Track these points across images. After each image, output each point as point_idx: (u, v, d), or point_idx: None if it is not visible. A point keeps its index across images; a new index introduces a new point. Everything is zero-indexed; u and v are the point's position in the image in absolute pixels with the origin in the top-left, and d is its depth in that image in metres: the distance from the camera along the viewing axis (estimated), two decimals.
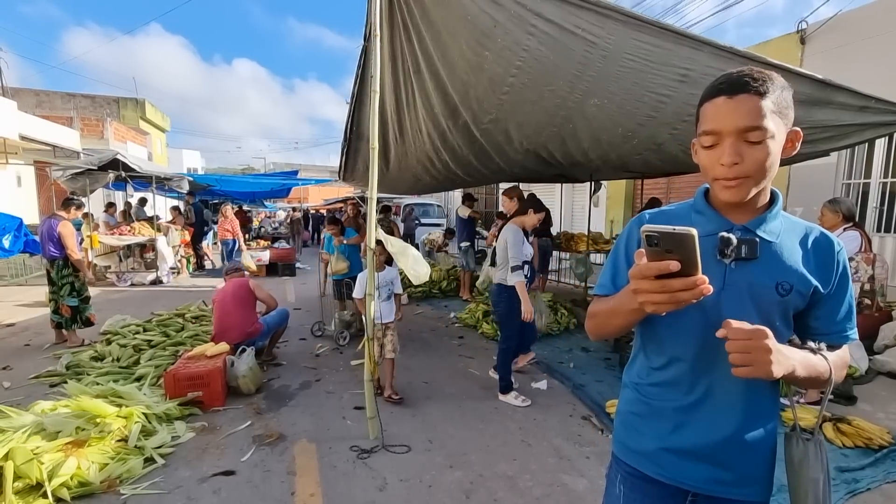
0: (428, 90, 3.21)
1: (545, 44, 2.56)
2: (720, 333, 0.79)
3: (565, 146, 3.99)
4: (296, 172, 15.14)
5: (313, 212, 21.75)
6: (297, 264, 10.98)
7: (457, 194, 14.49)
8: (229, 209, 9.90)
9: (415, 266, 3.12)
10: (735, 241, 0.88)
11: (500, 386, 3.65)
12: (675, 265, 0.70)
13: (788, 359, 0.81)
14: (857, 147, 5.61)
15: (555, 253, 8.14)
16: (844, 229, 3.30)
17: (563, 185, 9.01)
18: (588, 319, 1.05)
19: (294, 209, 22.66)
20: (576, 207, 12.04)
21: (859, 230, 3.27)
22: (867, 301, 3.28)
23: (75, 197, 5.22)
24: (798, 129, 0.90)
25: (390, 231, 7.54)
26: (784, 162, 3.71)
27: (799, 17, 6.67)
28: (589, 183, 6.96)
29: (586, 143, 3.87)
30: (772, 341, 0.77)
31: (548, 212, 7.73)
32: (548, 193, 11.75)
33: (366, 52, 2.95)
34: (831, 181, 6.58)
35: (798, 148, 0.91)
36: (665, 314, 0.77)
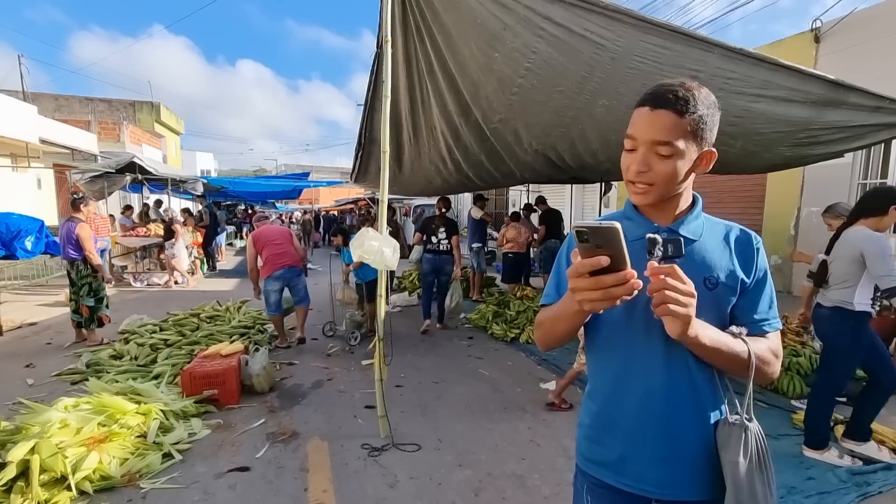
0: (441, 89, 3.26)
1: (554, 46, 2.59)
2: (649, 271, 0.80)
3: (574, 147, 4.01)
4: (307, 174, 15.30)
5: (324, 213, 21.95)
6: (309, 265, 11.08)
7: (467, 196, 14.54)
8: (91, 205, 8.62)
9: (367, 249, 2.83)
10: (660, 240, 0.92)
11: (814, 440, 2.75)
12: (605, 259, 0.75)
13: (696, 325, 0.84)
14: (872, 147, 5.53)
15: None
16: None
17: (574, 185, 8.99)
18: (536, 329, 1.08)
19: (305, 211, 22.92)
20: (586, 208, 12.00)
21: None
22: (887, 302, 3.23)
23: (79, 194, 5.28)
24: (713, 150, 0.94)
25: (396, 232, 7.58)
26: (799, 162, 3.55)
27: (805, 13, 6.59)
28: (600, 184, 6.94)
29: (595, 144, 3.88)
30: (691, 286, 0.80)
31: (558, 213, 7.76)
32: (558, 194, 11.73)
33: (378, 58, 3.00)
34: (847, 181, 6.48)
35: (711, 166, 0.95)
36: (602, 313, 0.81)
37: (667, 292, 0.79)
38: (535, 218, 7.98)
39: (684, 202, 0.99)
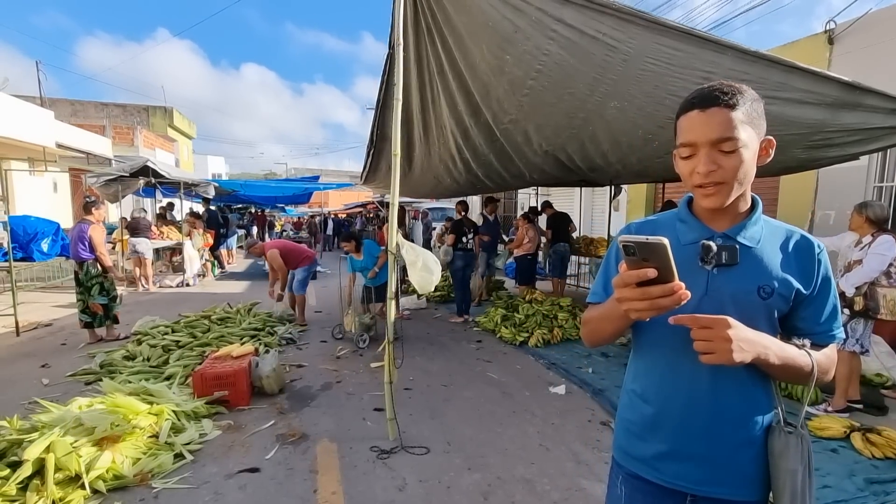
0: (452, 89, 3.28)
1: (565, 48, 2.59)
2: (672, 320, 0.83)
3: (584, 148, 4.00)
4: (317, 177, 15.41)
5: (332, 216, 22.10)
6: (318, 268, 11.13)
7: (476, 198, 14.52)
8: (103, 208, 7.94)
9: (421, 277, 3.07)
10: (715, 248, 0.91)
11: None
12: (652, 272, 0.74)
13: (755, 344, 0.83)
14: (889, 150, 5.43)
15: (573, 257, 8.08)
16: (873, 235, 3.23)
17: (583, 188, 8.94)
18: (583, 326, 1.10)
19: (312, 215, 23.06)
20: (595, 211, 11.92)
21: (893, 235, 3.20)
22: None
23: (92, 197, 5.41)
24: (771, 137, 0.93)
25: (406, 236, 7.62)
26: (813, 165, 3.55)
27: (809, 13, 6.51)
28: (609, 187, 6.90)
29: (606, 146, 3.87)
30: (734, 331, 0.81)
31: (567, 217, 7.73)
32: (566, 197, 11.67)
33: (390, 60, 3.02)
34: (862, 184, 6.37)
35: (772, 155, 0.94)
36: (649, 319, 0.81)
37: (699, 343, 0.82)
38: (541, 222, 7.94)
39: (743, 205, 0.96)
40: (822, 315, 0.96)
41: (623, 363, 4.53)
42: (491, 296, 7.47)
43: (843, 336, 0.99)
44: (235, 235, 13.53)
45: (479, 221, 7.82)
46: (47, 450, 2.38)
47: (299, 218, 26.72)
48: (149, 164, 8.39)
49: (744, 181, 0.89)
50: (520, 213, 12.30)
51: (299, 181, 15.02)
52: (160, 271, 9.68)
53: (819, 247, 0.96)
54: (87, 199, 5.22)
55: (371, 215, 19.41)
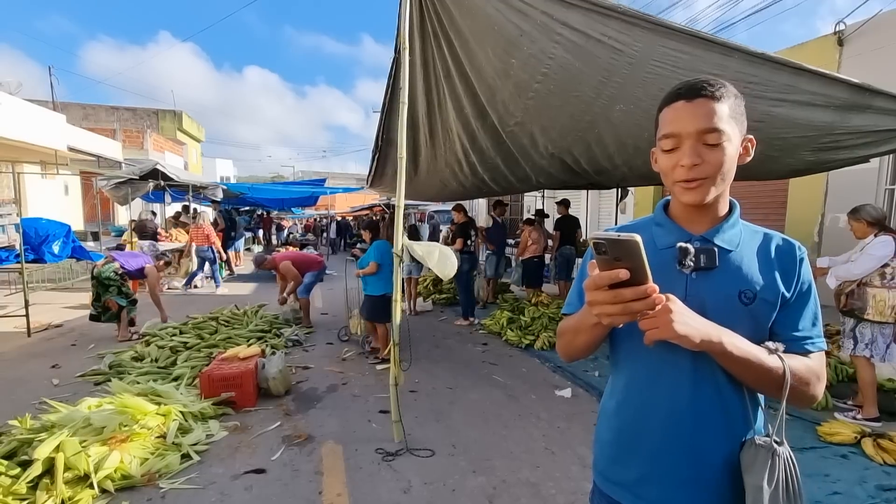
0: (458, 92, 3.29)
1: (571, 51, 2.59)
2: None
3: (591, 151, 3.99)
4: (323, 181, 15.48)
5: (339, 218, 22.20)
6: (326, 270, 11.16)
7: (482, 202, 14.52)
8: (207, 214, 8.72)
9: (441, 264, 3.09)
10: (693, 250, 0.88)
11: None
12: (624, 273, 0.71)
13: (705, 325, 0.79)
14: None
15: (578, 260, 8.04)
16: (875, 235, 3.20)
17: (590, 191, 8.90)
18: (558, 339, 1.04)
19: (317, 219, 23.18)
20: (602, 214, 11.87)
21: (892, 235, 3.17)
22: None
23: (168, 255, 6.66)
24: (751, 136, 0.91)
25: (415, 235, 7.65)
26: (822, 168, 3.51)
27: (812, 13, 6.45)
28: (616, 190, 6.88)
29: (612, 148, 3.85)
30: (674, 304, 0.76)
31: (576, 220, 7.70)
32: (574, 200, 11.61)
33: (396, 64, 3.05)
34: (873, 186, 6.30)
35: (752, 154, 0.92)
36: (623, 326, 0.78)
37: (643, 321, 0.75)
38: (548, 224, 7.91)
39: (722, 207, 0.93)
40: (799, 320, 0.90)
41: None
42: (497, 298, 7.46)
43: (825, 346, 0.92)
44: (243, 238, 13.62)
45: (488, 223, 7.83)
46: (57, 449, 2.41)
47: (307, 220, 26.96)
48: (158, 167, 8.47)
49: (726, 178, 0.87)
50: (525, 215, 12.28)
51: (306, 185, 15.09)
52: (168, 273, 9.75)
53: (801, 249, 0.93)
54: (165, 255, 6.42)
55: (377, 217, 19.47)
